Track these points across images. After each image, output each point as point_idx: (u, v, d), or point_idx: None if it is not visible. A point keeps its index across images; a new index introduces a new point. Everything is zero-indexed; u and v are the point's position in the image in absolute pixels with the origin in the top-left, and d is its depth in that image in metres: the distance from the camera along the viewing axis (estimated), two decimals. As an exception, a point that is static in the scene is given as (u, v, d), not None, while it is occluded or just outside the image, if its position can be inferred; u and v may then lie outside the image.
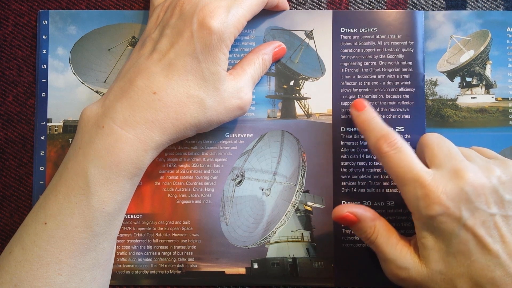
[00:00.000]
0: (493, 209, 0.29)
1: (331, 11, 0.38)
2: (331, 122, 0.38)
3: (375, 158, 0.37)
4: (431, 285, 0.30)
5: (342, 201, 0.37)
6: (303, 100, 0.38)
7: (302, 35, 0.38)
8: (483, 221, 0.29)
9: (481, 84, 0.38)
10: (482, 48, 0.38)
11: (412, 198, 0.30)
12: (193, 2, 0.31)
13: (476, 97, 0.38)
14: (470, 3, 0.39)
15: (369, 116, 0.34)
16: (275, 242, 0.37)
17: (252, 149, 0.38)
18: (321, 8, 0.39)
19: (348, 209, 0.32)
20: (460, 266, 0.29)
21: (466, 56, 0.38)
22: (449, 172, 0.30)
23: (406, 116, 0.38)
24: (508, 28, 0.38)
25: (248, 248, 0.37)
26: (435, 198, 0.29)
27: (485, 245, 0.29)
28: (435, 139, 0.32)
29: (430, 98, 0.38)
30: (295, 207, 0.38)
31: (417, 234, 0.31)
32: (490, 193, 0.29)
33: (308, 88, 0.38)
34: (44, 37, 0.38)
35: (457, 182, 0.29)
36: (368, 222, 0.32)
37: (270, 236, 0.37)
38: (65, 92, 0.38)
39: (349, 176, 0.38)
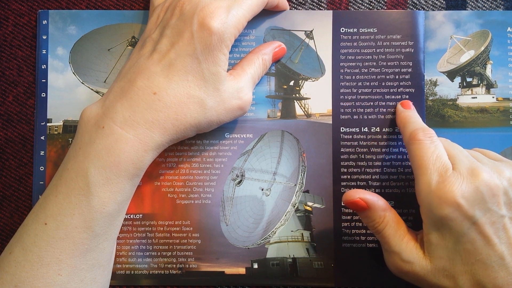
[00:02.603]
0: (503, 210, 0.29)
1: (331, 11, 0.38)
2: (331, 122, 0.38)
3: (374, 158, 0.37)
4: (433, 280, 0.30)
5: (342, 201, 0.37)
6: (303, 100, 0.38)
7: (302, 35, 0.38)
8: (493, 221, 0.29)
9: (481, 84, 0.38)
10: (482, 48, 0.38)
11: (426, 190, 0.30)
12: (193, 3, 0.31)
13: (476, 97, 0.38)
14: (470, 3, 0.39)
15: (414, 114, 0.35)
16: (275, 242, 0.37)
17: (252, 149, 0.38)
18: (321, 8, 0.39)
19: (360, 195, 0.32)
20: (464, 264, 0.29)
21: (467, 56, 0.38)
22: (466, 171, 0.30)
23: (406, 116, 0.38)
24: (508, 28, 0.38)
25: (248, 248, 0.37)
26: (448, 195, 0.29)
27: (492, 246, 0.29)
28: (444, 142, 0.32)
29: (430, 98, 0.38)
30: (295, 207, 0.38)
31: (424, 229, 0.31)
32: (502, 195, 0.29)
33: (308, 88, 0.38)
34: (44, 37, 0.38)
35: (473, 181, 0.29)
36: (379, 211, 0.32)
37: (270, 236, 0.37)
38: (65, 92, 0.38)
39: (349, 176, 0.38)
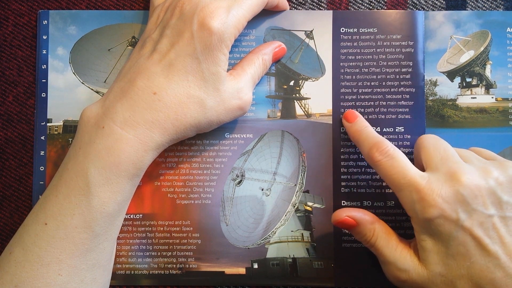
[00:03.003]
0: (490, 210, 0.29)
1: (331, 11, 0.38)
2: (331, 122, 0.38)
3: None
4: (432, 287, 0.30)
5: (342, 201, 0.37)
6: (303, 100, 0.38)
7: (302, 35, 0.38)
8: (481, 222, 0.29)
9: (481, 84, 0.38)
10: (482, 48, 0.38)
11: (409, 202, 0.30)
12: (193, 3, 0.31)
13: (476, 97, 0.38)
14: (470, 3, 0.39)
15: (361, 126, 0.35)
16: (275, 242, 0.37)
17: (252, 149, 0.38)
18: (321, 8, 0.39)
19: (347, 213, 0.33)
20: (460, 268, 0.29)
21: (466, 56, 0.38)
22: (445, 175, 0.30)
23: (406, 116, 0.38)
24: (508, 28, 0.38)
25: (248, 248, 0.37)
26: (431, 201, 0.29)
27: (484, 247, 0.29)
28: (431, 141, 0.32)
29: (430, 98, 0.38)
30: (295, 207, 0.38)
31: (416, 237, 0.31)
32: (487, 195, 0.29)
33: (308, 88, 0.38)
34: (44, 37, 0.38)
35: (452, 185, 0.29)
36: (367, 225, 0.32)
37: (270, 236, 0.37)
38: (65, 92, 0.38)
39: (349, 176, 0.38)
